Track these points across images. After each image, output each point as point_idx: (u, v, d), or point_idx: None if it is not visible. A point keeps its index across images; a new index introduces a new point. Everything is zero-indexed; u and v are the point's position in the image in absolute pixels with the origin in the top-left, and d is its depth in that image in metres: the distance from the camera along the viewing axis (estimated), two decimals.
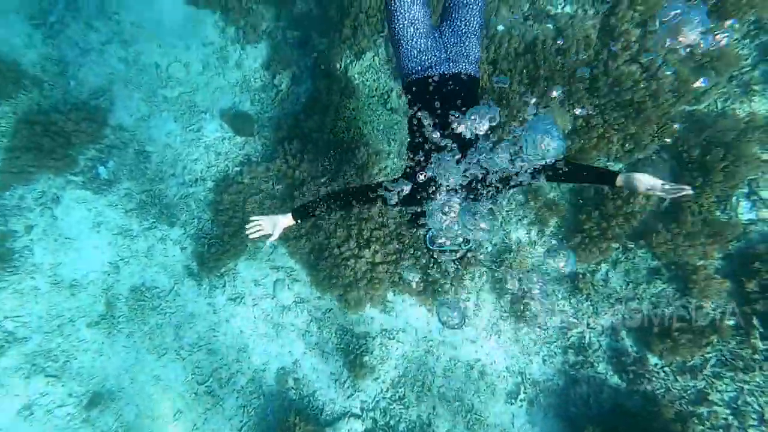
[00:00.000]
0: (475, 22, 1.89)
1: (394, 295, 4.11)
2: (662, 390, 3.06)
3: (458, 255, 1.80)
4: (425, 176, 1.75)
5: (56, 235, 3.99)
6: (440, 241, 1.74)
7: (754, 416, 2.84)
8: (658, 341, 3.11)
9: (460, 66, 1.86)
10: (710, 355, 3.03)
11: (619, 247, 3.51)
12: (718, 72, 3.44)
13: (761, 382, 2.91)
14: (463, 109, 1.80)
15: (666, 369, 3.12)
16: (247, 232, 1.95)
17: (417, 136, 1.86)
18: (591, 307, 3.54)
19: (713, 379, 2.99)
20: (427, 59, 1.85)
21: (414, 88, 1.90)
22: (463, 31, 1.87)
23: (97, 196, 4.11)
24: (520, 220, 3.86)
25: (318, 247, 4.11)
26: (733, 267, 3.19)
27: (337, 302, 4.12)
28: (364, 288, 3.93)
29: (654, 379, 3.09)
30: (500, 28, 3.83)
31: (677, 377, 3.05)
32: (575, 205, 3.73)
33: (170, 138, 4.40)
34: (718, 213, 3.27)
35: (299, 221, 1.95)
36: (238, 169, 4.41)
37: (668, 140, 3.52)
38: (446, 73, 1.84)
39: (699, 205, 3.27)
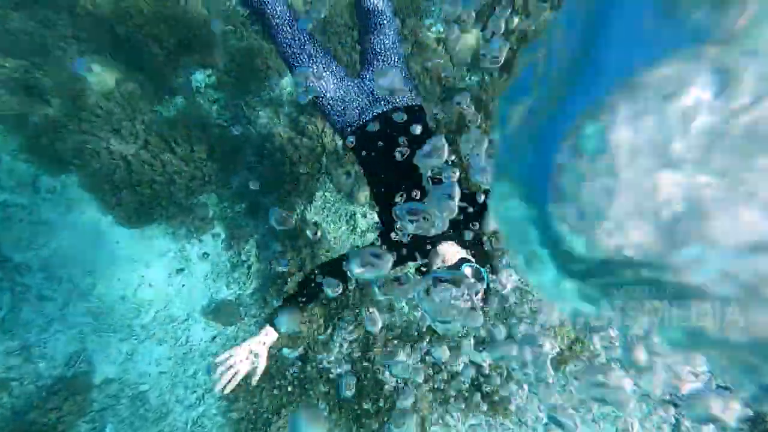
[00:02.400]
0: (394, 58, 1.80)
1: None
2: None
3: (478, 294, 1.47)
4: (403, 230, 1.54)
5: None
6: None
7: None
8: None
9: (394, 101, 1.75)
10: None
11: None
12: None
13: None
14: (413, 140, 1.65)
15: None
16: (219, 387, 1.37)
17: (379, 193, 1.69)
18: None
19: None
20: (356, 107, 1.74)
21: (355, 141, 1.76)
22: (384, 69, 1.78)
23: None
24: None
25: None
26: None
27: None
28: None
29: None
30: None
31: None
32: None
33: (161, 364, 4.01)
34: None
35: (281, 330, 1.53)
36: None
37: None
38: (381, 112, 1.72)
39: None
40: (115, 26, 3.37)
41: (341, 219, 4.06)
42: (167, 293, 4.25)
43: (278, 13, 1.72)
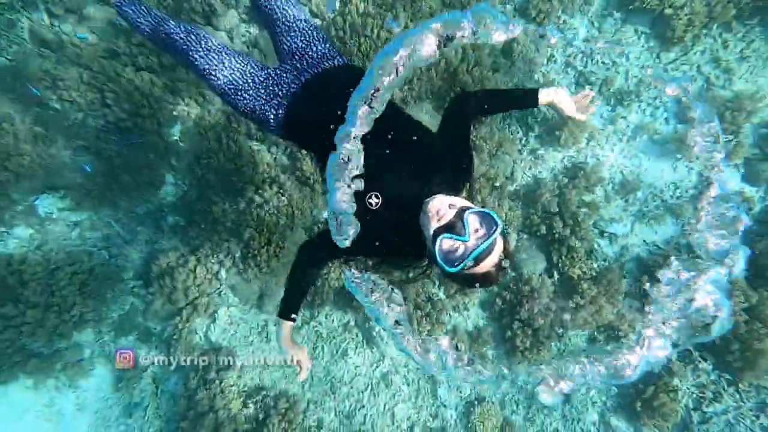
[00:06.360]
0: (310, 34, 1.64)
1: None
2: None
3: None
4: (377, 199, 1.29)
5: None
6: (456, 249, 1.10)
7: None
8: (645, 416, 2.95)
9: (323, 65, 1.57)
10: (685, 401, 2.97)
11: (552, 341, 3.38)
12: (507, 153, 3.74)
13: (733, 403, 2.92)
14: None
15: None
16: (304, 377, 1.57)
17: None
18: (573, 411, 3.28)
19: (704, 425, 2.91)
20: (284, 85, 1.53)
21: (293, 117, 1.51)
22: (303, 46, 1.60)
23: None
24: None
25: None
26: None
27: None
28: None
29: None
30: None
31: None
32: (496, 321, 3.55)
33: None
34: (595, 266, 3.38)
35: (293, 318, 1.52)
36: None
37: (515, 224, 3.64)
38: (313, 72, 1.54)
39: (580, 269, 3.34)
40: None
41: (252, 332, 3.60)
42: None
43: (181, 30, 1.61)
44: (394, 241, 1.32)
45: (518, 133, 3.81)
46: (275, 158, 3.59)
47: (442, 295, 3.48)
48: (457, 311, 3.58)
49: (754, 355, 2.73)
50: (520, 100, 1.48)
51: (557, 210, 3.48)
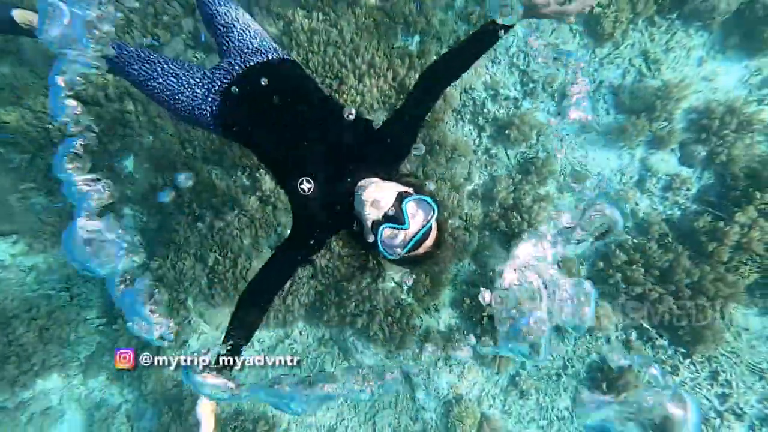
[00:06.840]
0: (247, 32, 1.65)
1: None
2: None
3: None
4: (309, 184, 1.31)
5: None
6: (397, 239, 1.16)
7: (712, 414, 2.97)
8: (612, 393, 3.08)
9: (260, 57, 1.56)
10: (646, 377, 3.11)
11: None
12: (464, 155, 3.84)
13: (690, 375, 3.08)
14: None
15: None
16: None
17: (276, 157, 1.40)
18: (546, 398, 3.38)
19: None
20: (217, 81, 1.52)
21: (225, 111, 1.48)
22: (239, 45, 1.61)
23: None
24: None
25: None
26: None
27: None
28: None
29: None
30: None
31: None
32: (466, 319, 3.62)
33: None
34: None
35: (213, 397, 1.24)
36: None
37: (476, 222, 3.74)
38: (252, 65, 1.53)
39: None
40: None
41: None
42: None
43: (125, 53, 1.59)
44: (333, 227, 1.34)
45: (472, 134, 3.92)
46: (234, 179, 3.58)
47: (411, 299, 3.53)
48: (428, 313, 3.64)
49: (701, 328, 2.90)
50: (488, 40, 1.39)
51: (514, 205, 3.60)
